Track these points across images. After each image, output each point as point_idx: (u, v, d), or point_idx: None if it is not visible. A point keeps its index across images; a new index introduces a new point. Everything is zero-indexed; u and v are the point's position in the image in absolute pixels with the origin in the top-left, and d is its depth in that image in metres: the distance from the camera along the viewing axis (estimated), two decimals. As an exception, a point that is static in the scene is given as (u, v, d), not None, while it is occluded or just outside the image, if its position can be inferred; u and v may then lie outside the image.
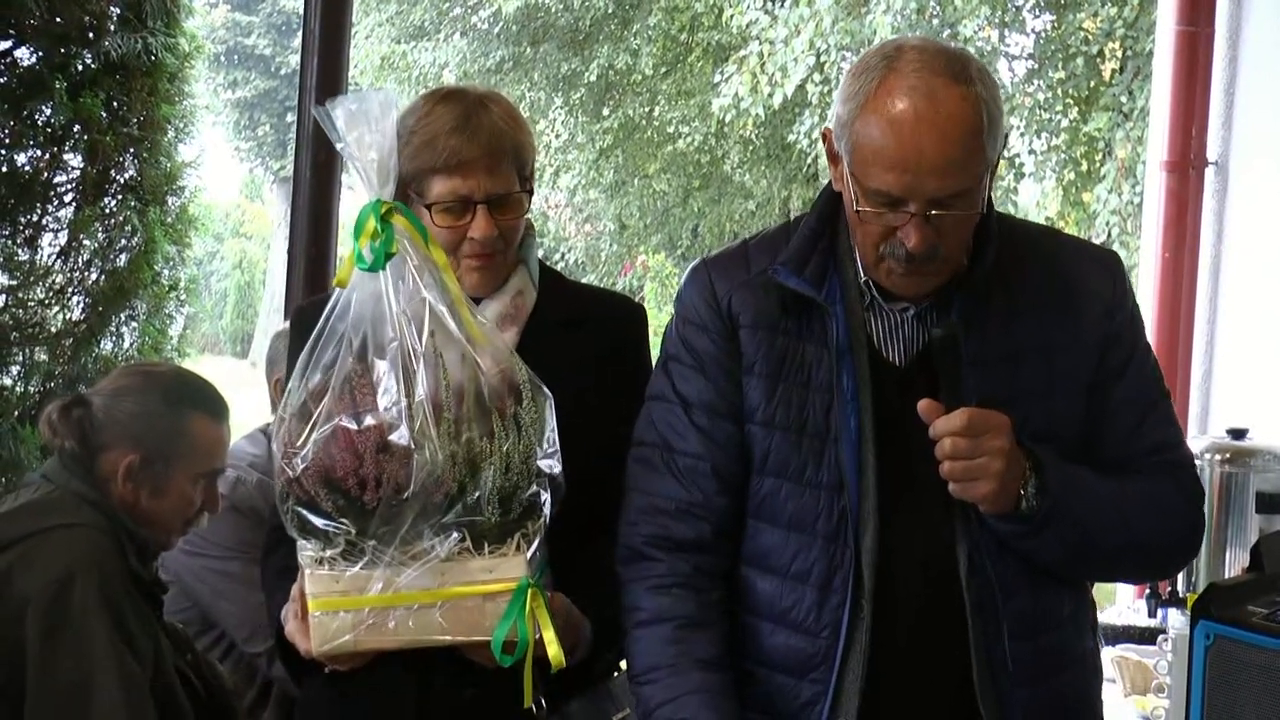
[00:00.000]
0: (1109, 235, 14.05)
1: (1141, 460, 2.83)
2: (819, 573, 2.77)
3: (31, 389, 6.37)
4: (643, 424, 2.93)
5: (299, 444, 2.67)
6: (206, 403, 3.60)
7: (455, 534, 2.68)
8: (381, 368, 2.70)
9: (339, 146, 2.80)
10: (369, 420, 2.66)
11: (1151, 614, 4.89)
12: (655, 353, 3.05)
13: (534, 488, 2.71)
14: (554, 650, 2.72)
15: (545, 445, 2.73)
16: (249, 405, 4.63)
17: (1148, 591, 4.86)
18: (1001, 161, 2.78)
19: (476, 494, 2.67)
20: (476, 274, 3.00)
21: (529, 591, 2.70)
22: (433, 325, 2.72)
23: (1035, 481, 2.68)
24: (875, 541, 2.74)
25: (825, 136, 2.79)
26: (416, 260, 2.75)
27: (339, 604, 2.69)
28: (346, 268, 2.77)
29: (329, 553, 2.68)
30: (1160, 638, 4.59)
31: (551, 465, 2.73)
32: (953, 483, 2.67)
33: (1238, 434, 4.83)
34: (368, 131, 2.76)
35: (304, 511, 2.67)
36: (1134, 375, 2.85)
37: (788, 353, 2.81)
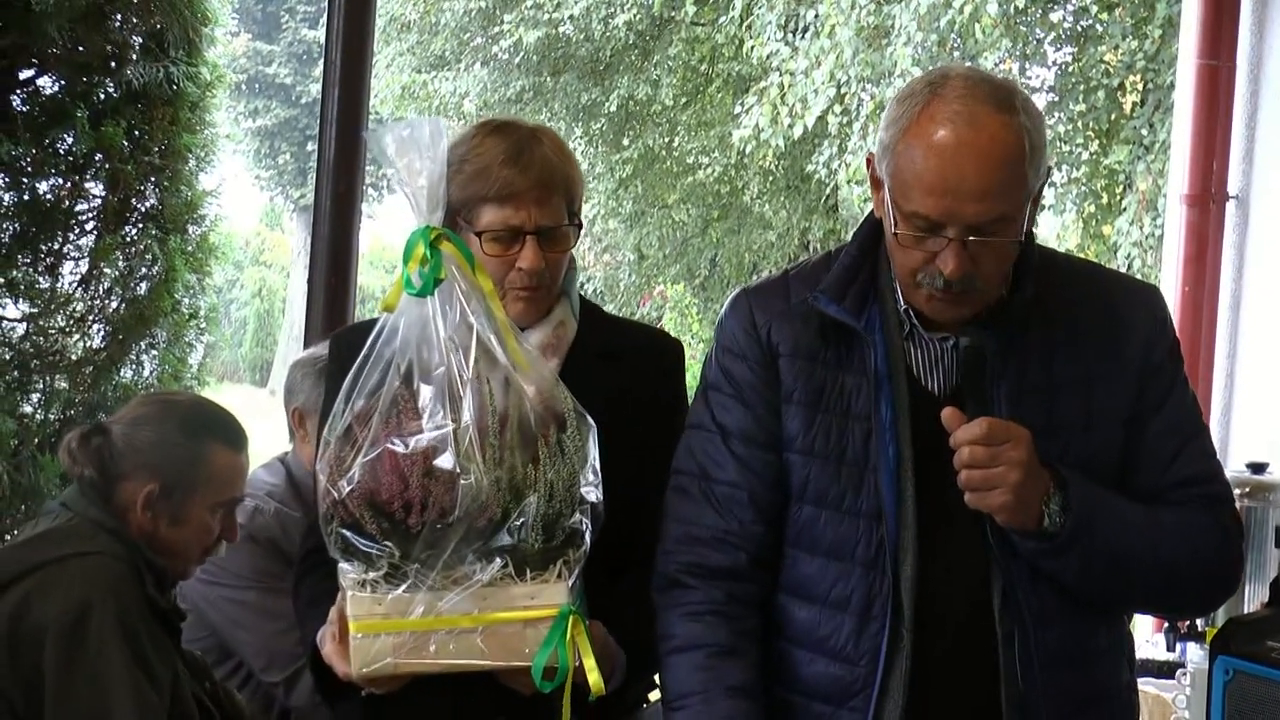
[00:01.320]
0: (1129, 268, 14.03)
1: (1176, 492, 2.82)
2: (858, 600, 2.78)
3: (52, 417, 6.38)
4: (682, 453, 2.95)
5: (345, 467, 2.68)
6: (225, 432, 3.60)
7: (498, 559, 2.69)
8: (427, 392, 2.72)
9: (389, 172, 2.81)
10: (415, 444, 2.67)
11: (1170, 648, 4.88)
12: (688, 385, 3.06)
13: (576, 515, 2.72)
14: (594, 678, 2.73)
15: (588, 473, 2.74)
16: (267, 434, 4.64)
17: (1166, 625, 4.85)
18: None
19: (520, 520, 2.68)
20: (522, 304, 3.02)
21: (570, 619, 2.71)
22: (479, 351, 2.74)
23: (1059, 499, 2.68)
24: (915, 570, 2.75)
25: (869, 161, 2.81)
26: (464, 286, 2.77)
27: (380, 626, 2.69)
28: (395, 292, 2.78)
29: (371, 575, 2.69)
30: (1179, 672, 4.59)
31: (593, 493, 2.73)
32: (969, 492, 2.68)
33: (1258, 468, 4.82)
34: (418, 158, 2.77)
35: (348, 534, 2.68)
36: (1172, 408, 2.85)
37: (827, 382, 2.82)
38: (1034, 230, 2.83)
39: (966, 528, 2.73)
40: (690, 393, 3.13)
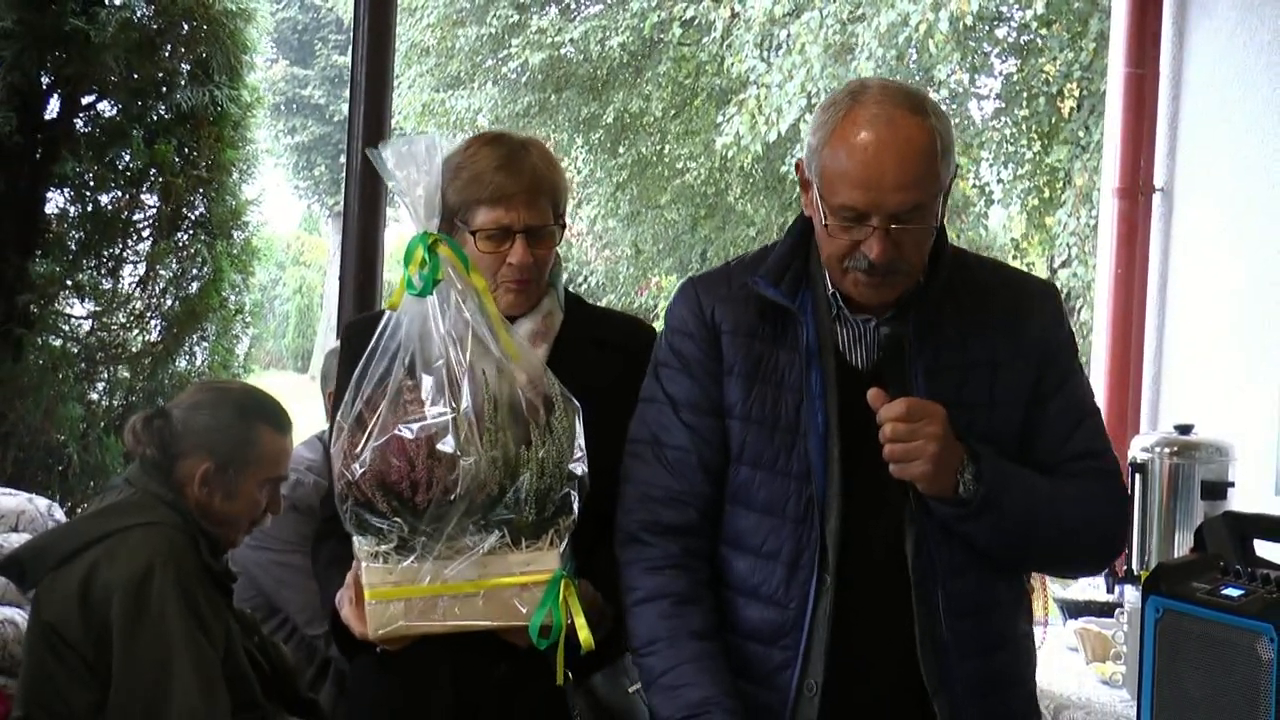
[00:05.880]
0: (1069, 255, 14.05)
1: (1072, 465, 2.83)
2: (788, 551, 2.77)
3: (115, 403, 6.42)
4: (636, 423, 2.94)
5: (357, 451, 2.67)
6: (273, 417, 3.60)
7: (496, 531, 2.68)
8: (429, 382, 2.70)
9: (390, 184, 2.80)
10: (419, 429, 2.66)
11: (1109, 590, 4.89)
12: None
13: (565, 489, 2.71)
14: (585, 635, 2.72)
15: (575, 451, 2.73)
16: (308, 415, 4.66)
17: (1106, 570, 4.85)
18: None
19: (515, 495, 2.67)
20: (512, 295, 3.02)
21: (562, 582, 2.71)
22: (474, 344, 2.72)
23: (972, 470, 2.69)
24: (838, 524, 2.75)
25: (798, 167, 2.81)
26: (460, 286, 2.75)
27: (392, 593, 2.69)
28: (398, 292, 2.77)
29: (383, 548, 2.68)
30: (1117, 611, 4.60)
31: (579, 468, 2.73)
32: (893, 463, 2.68)
33: (1184, 429, 4.82)
34: (415, 170, 2.76)
35: (361, 511, 2.67)
36: (1068, 392, 2.87)
37: (763, 357, 2.82)
38: (946, 229, 2.84)
39: (886, 487, 2.73)
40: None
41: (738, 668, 2.81)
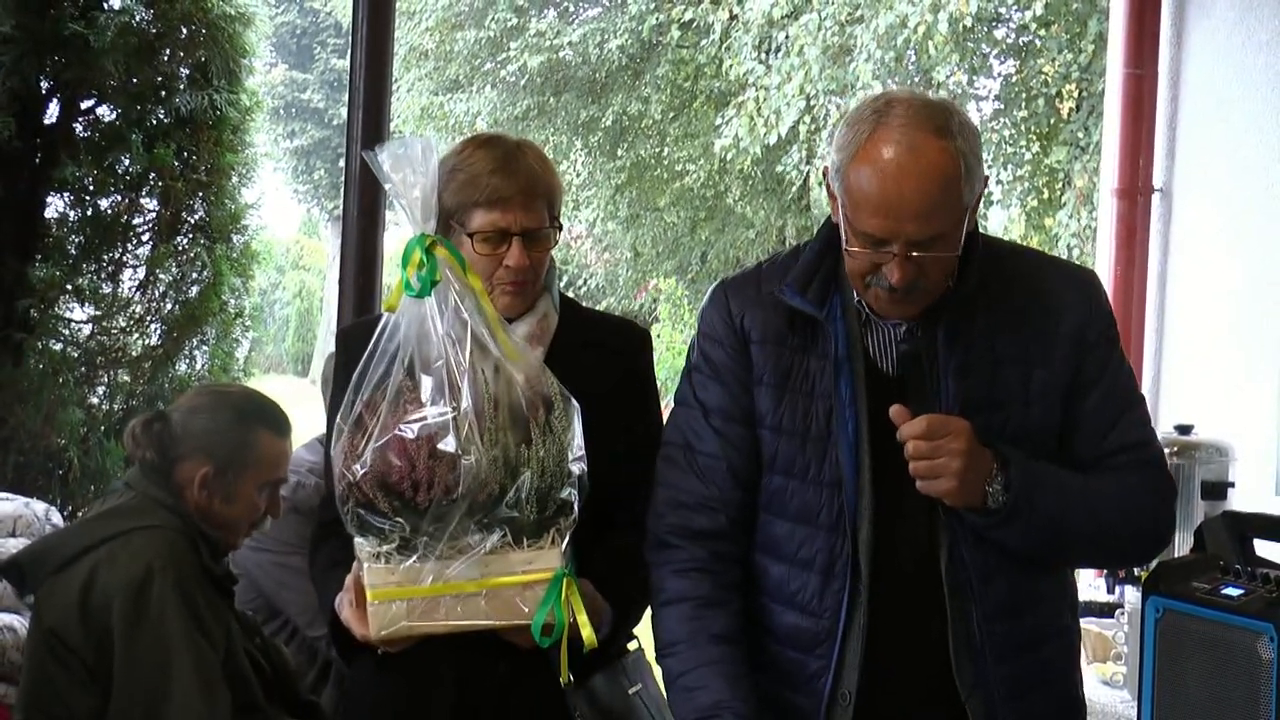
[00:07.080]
0: (1069, 256, 14.03)
1: (1114, 458, 2.80)
2: (821, 560, 2.77)
3: (116, 407, 6.43)
4: (669, 427, 2.95)
5: (357, 452, 2.67)
6: (272, 420, 3.60)
7: (498, 530, 2.68)
8: (428, 383, 2.69)
9: (386, 186, 2.79)
10: (420, 429, 2.65)
11: (1110, 590, 4.88)
12: (659, 368, 3.06)
13: (566, 488, 2.71)
14: (587, 632, 2.72)
15: (574, 449, 2.73)
16: (308, 418, 4.67)
17: (1106, 571, 4.85)
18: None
19: (516, 495, 2.67)
20: (508, 297, 3.01)
21: (564, 580, 2.71)
22: (473, 344, 2.72)
23: (1001, 479, 2.67)
24: (870, 533, 2.74)
25: (825, 174, 2.79)
26: (458, 287, 2.75)
27: (395, 594, 2.68)
28: (396, 294, 2.76)
29: (385, 548, 2.67)
30: (1118, 611, 4.60)
31: (579, 467, 2.73)
32: (918, 480, 2.67)
33: (1184, 430, 4.82)
34: (411, 173, 2.75)
35: (363, 512, 2.66)
36: (1108, 383, 2.82)
37: (793, 365, 2.81)
38: (977, 227, 2.80)
39: (916, 494, 2.71)
40: (657, 372, 3.13)
41: (775, 673, 2.83)
